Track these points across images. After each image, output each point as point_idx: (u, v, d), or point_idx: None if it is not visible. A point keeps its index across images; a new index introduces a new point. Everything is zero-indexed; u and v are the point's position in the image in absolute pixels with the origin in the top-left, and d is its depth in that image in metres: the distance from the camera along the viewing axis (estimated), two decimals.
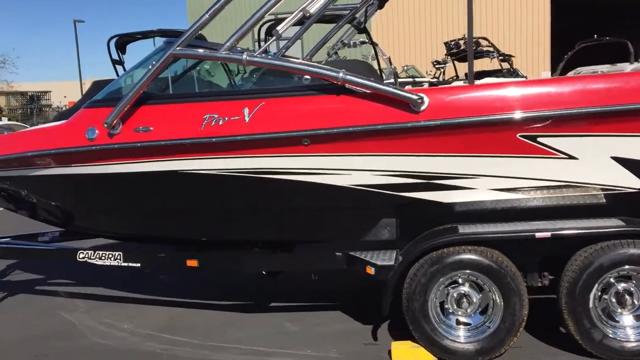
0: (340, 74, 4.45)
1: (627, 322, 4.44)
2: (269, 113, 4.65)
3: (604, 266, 4.32)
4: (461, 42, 17.35)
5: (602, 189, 4.52)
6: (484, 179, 4.60)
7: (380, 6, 7.25)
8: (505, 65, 17.85)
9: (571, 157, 4.43)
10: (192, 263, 5.37)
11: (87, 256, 5.62)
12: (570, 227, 4.41)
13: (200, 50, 4.88)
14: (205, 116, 4.72)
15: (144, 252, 5.65)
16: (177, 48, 4.72)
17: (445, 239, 4.50)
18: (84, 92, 7.09)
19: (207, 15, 4.60)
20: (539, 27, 26.68)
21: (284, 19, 4.61)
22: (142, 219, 5.41)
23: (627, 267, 4.32)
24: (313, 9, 4.49)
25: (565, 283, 4.39)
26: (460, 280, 4.59)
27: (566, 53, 16.09)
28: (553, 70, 21.89)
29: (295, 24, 4.64)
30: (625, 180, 4.45)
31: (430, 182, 4.65)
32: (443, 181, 4.65)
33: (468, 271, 4.50)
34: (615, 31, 19.05)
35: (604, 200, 4.57)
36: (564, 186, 4.55)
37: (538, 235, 4.39)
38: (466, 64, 7.10)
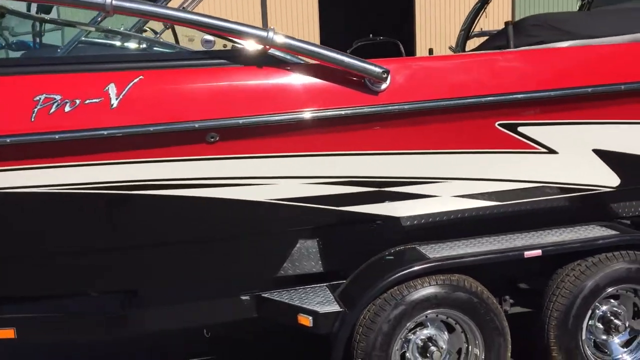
0: (269, 33, 2.95)
1: (616, 352, 3.63)
2: (150, 93, 2.96)
3: (600, 286, 3.45)
4: None
5: (580, 190, 3.65)
6: (449, 184, 3.45)
7: None
8: None
9: (551, 152, 3.48)
10: (6, 334, 3.39)
11: None
12: (563, 241, 3.46)
13: None
14: (37, 98, 2.86)
15: None
16: None
17: (416, 267, 3.26)
18: None
19: None
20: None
21: None
22: None
23: (625, 285, 3.49)
24: None
25: (555, 312, 3.43)
26: (427, 322, 3.39)
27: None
28: None
29: None
30: (604, 178, 3.64)
31: (384, 189, 3.37)
32: (400, 188, 3.39)
33: (441, 309, 3.32)
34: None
35: (581, 203, 3.71)
36: (540, 188, 3.59)
37: (527, 254, 3.37)
38: None
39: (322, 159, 3.20)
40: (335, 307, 3.29)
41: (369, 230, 3.49)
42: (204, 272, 3.44)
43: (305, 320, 3.29)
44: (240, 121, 2.97)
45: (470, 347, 3.41)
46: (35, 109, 2.83)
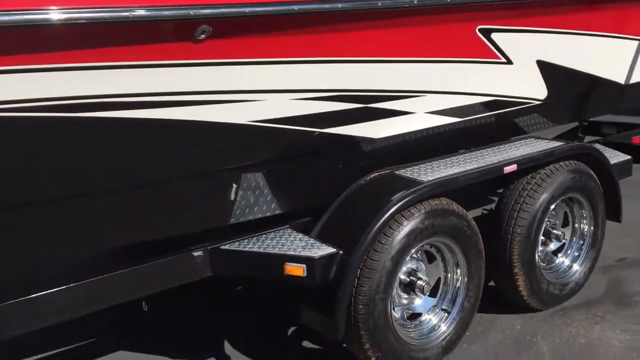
0: None
1: (567, 261, 3.72)
2: None
3: (554, 197, 3.44)
4: None
5: (522, 103, 3.58)
6: (424, 99, 3.07)
7: None
8: None
9: (509, 62, 3.32)
10: None
11: None
12: (530, 154, 3.35)
13: None
14: None
15: None
16: None
17: (415, 193, 2.83)
18: None
19: None
20: None
21: None
22: None
23: (572, 194, 3.55)
24: None
25: (518, 228, 3.34)
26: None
27: None
28: None
29: None
30: (537, 91, 3.62)
31: (367, 106, 2.84)
32: (381, 104, 2.90)
33: (434, 238, 2.97)
34: None
35: (520, 116, 3.66)
36: (495, 101, 3.42)
37: (506, 169, 3.19)
38: None
39: (314, 66, 2.55)
40: (327, 250, 2.70)
41: (339, 157, 2.96)
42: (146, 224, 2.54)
43: (297, 270, 2.65)
44: (238, 10, 2.15)
45: (449, 275, 3.15)
46: None
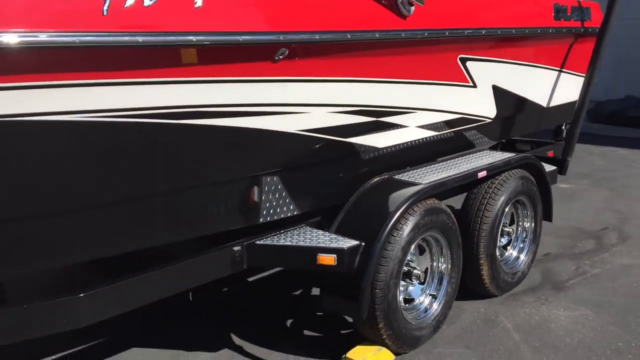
0: None
1: (514, 253, 4.39)
2: None
3: (510, 198, 4.11)
4: None
5: (478, 120, 4.24)
6: (417, 114, 3.62)
7: None
8: None
9: (474, 85, 3.97)
10: None
11: None
12: (493, 163, 4.00)
13: None
14: None
15: None
16: None
17: (421, 193, 3.35)
18: None
19: None
20: None
21: None
22: None
23: (520, 197, 4.24)
24: None
25: (484, 225, 3.96)
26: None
27: None
28: None
29: None
30: (490, 110, 4.31)
31: (379, 119, 3.35)
32: (388, 118, 3.42)
33: (429, 232, 3.51)
34: None
35: (476, 131, 4.31)
36: (461, 118, 4.05)
37: (480, 174, 3.82)
38: None
39: (351, 84, 3.02)
40: (352, 242, 3.14)
41: (349, 164, 3.42)
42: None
43: (329, 260, 3.07)
44: (316, 37, 2.59)
45: (435, 264, 3.69)
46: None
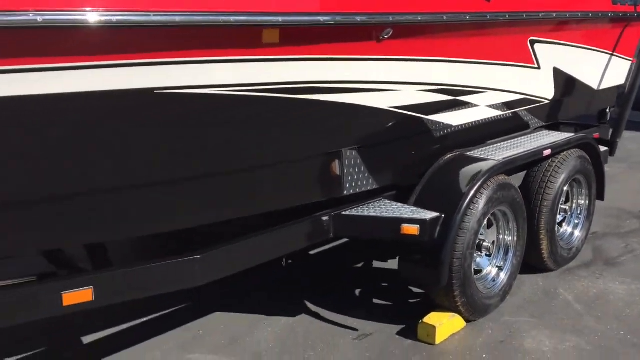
0: None
1: (570, 229, 4.56)
2: None
3: (570, 176, 4.27)
4: None
5: (538, 101, 4.40)
6: (487, 94, 3.78)
7: None
8: None
9: (538, 67, 4.12)
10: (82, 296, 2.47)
11: None
12: (556, 142, 4.16)
13: None
14: None
15: None
16: None
17: (495, 168, 3.53)
18: None
19: None
20: None
21: None
22: None
23: (577, 176, 4.40)
24: None
25: (545, 202, 4.13)
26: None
27: None
28: None
29: None
30: (549, 92, 4.45)
31: (456, 98, 3.52)
32: (464, 97, 3.59)
33: (500, 206, 3.68)
34: None
35: (537, 112, 4.47)
36: (524, 99, 4.20)
37: (545, 152, 3.98)
38: None
39: (436, 64, 3.19)
40: (433, 214, 3.32)
41: (430, 140, 3.59)
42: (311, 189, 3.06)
43: (413, 230, 3.25)
44: (418, 17, 2.76)
45: (502, 237, 3.87)
46: None
